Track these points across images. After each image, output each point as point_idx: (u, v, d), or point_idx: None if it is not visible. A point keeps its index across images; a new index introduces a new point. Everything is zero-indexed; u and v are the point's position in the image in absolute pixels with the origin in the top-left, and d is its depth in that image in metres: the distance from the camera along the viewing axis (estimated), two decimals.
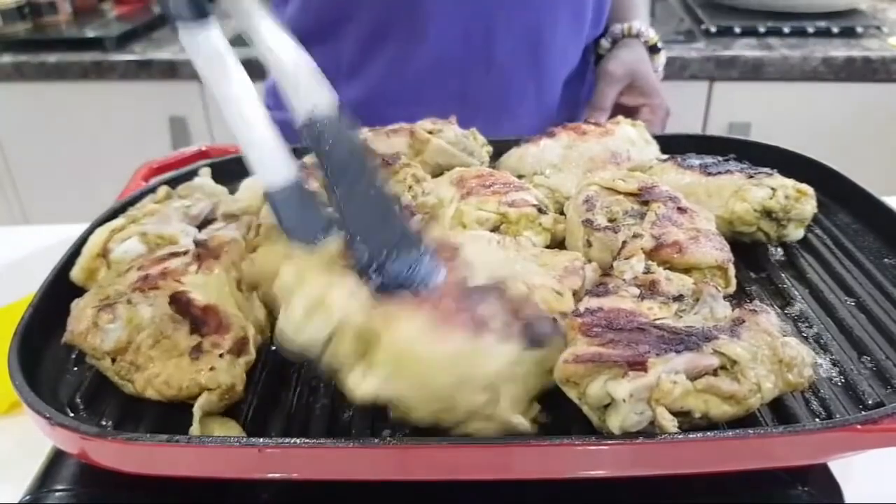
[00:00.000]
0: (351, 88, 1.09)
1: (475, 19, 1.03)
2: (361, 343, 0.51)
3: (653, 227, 0.64)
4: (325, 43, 1.08)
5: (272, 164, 0.56)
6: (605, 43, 1.15)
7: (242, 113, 0.57)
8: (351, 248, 0.54)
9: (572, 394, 0.52)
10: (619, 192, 0.69)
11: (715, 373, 0.50)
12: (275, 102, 1.22)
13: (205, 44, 0.55)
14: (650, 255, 0.62)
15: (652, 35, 1.13)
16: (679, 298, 0.56)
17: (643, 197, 0.68)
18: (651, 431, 0.49)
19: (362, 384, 0.49)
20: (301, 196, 0.56)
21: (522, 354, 0.51)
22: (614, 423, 0.49)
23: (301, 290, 0.51)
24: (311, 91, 0.58)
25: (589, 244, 0.66)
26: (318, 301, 0.51)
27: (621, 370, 0.49)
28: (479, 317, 0.51)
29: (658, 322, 0.53)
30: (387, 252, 0.53)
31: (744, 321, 0.53)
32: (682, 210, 0.67)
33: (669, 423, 0.48)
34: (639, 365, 0.49)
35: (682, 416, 0.49)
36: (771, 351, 0.51)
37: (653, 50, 1.14)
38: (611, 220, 0.67)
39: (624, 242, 0.64)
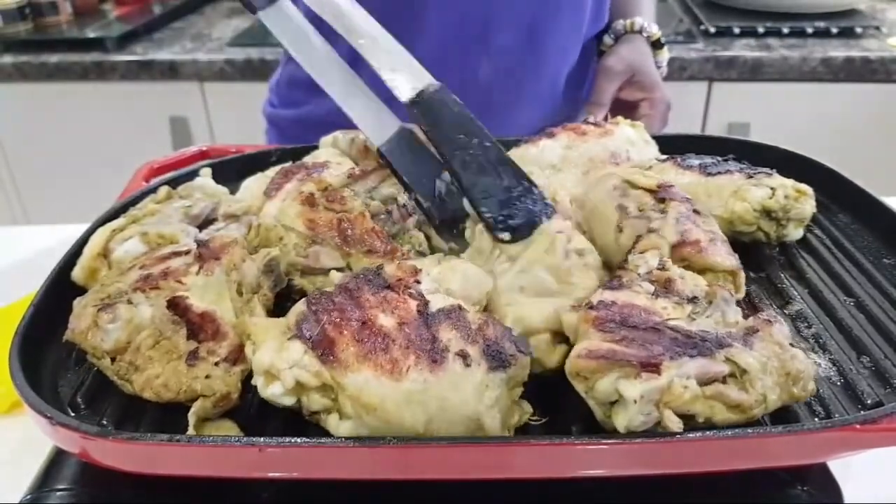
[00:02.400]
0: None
1: (473, 9, 1.03)
2: (328, 395, 0.51)
3: (676, 223, 0.64)
4: (326, 41, 1.08)
5: (374, 121, 0.64)
6: (607, 39, 1.15)
7: (336, 76, 0.65)
8: (477, 211, 0.62)
9: (580, 387, 0.52)
10: (638, 187, 0.70)
11: (724, 380, 0.50)
12: (279, 101, 1.22)
13: (284, 21, 0.63)
14: (672, 250, 0.62)
15: (655, 31, 1.12)
16: (693, 300, 0.56)
17: (660, 194, 0.68)
18: (653, 431, 0.49)
19: (339, 428, 0.51)
20: (409, 143, 0.64)
21: (489, 378, 0.51)
22: (620, 421, 0.49)
23: (255, 369, 0.53)
24: (415, 71, 0.65)
25: (620, 230, 0.66)
26: (268, 372, 0.52)
27: (634, 370, 0.49)
28: (436, 347, 0.51)
29: (672, 323, 0.53)
30: (507, 211, 0.61)
31: (758, 331, 0.53)
32: (697, 213, 0.67)
33: (675, 424, 0.48)
34: (652, 367, 0.49)
35: (685, 419, 0.49)
36: (780, 363, 0.51)
37: (656, 45, 1.13)
38: (640, 211, 0.67)
39: (639, 237, 0.64)
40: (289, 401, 0.51)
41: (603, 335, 0.51)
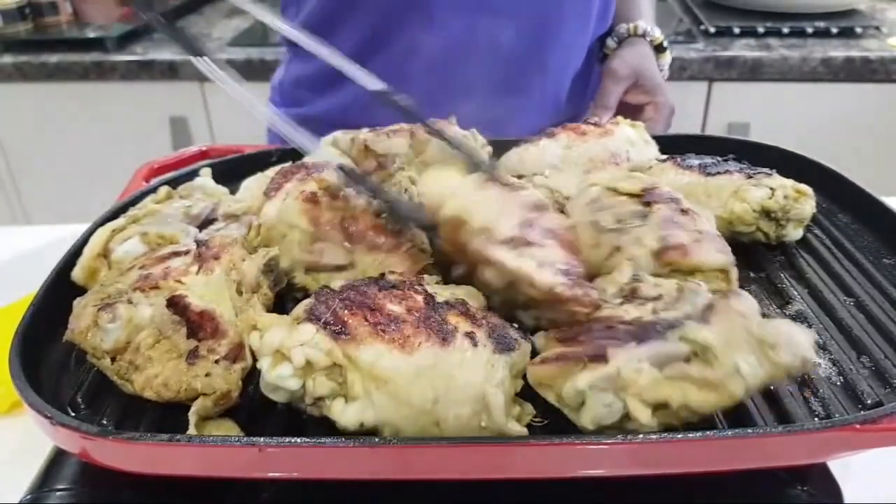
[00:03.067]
0: (357, 84, 1.10)
1: (479, 10, 1.04)
2: (335, 378, 0.51)
3: (658, 228, 0.64)
4: (332, 38, 1.09)
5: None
6: (610, 42, 1.16)
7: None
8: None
9: (551, 398, 0.52)
10: (622, 194, 0.70)
11: (687, 361, 0.49)
12: (282, 100, 1.23)
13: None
14: (655, 256, 0.62)
15: (657, 34, 1.14)
16: (657, 298, 0.56)
17: (645, 198, 0.68)
18: (630, 428, 0.49)
19: (344, 414, 0.51)
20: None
21: (495, 359, 0.52)
22: (586, 418, 0.49)
23: (263, 350, 0.53)
24: None
25: (597, 245, 0.66)
26: (278, 351, 0.52)
27: (583, 364, 0.49)
28: (444, 328, 0.52)
29: (629, 318, 0.54)
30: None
31: (713, 306, 0.52)
32: (684, 212, 0.67)
33: (642, 412, 0.48)
34: (599, 357, 0.49)
35: (660, 408, 0.49)
36: (746, 332, 0.49)
37: (658, 49, 1.14)
38: (618, 222, 0.66)
39: (617, 248, 0.63)
40: (295, 384, 0.51)
41: (561, 344, 0.53)
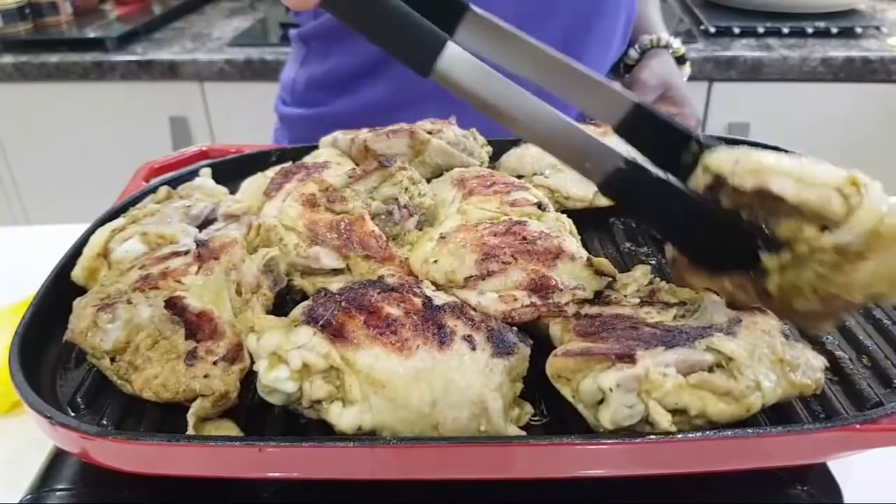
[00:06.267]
0: (378, 85, 1.10)
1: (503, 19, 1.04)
2: (332, 381, 0.51)
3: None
4: (351, 38, 1.08)
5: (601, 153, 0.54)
6: (633, 53, 1.16)
7: (538, 114, 0.56)
8: None
9: (566, 391, 0.52)
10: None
11: (711, 370, 0.50)
12: (292, 99, 1.23)
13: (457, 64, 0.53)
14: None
15: (678, 46, 1.14)
16: (679, 304, 0.56)
17: None
18: (646, 431, 0.49)
19: (342, 418, 0.50)
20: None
21: (492, 363, 0.52)
22: (605, 417, 0.49)
23: (260, 353, 0.53)
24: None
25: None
26: (275, 354, 0.52)
27: (610, 363, 0.49)
28: (443, 331, 0.52)
29: (653, 321, 0.54)
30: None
31: (741, 320, 0.53)
32: None
33: (663, 417, 0.48)
34: (627, 357, 0.49)
35: (678, 413, 0.49)
36: (770, 350, 0.51)
37: (679, 61, 1.15)
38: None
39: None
40: (291, 387, 0.51)
41: (582, 338, 0.53)
